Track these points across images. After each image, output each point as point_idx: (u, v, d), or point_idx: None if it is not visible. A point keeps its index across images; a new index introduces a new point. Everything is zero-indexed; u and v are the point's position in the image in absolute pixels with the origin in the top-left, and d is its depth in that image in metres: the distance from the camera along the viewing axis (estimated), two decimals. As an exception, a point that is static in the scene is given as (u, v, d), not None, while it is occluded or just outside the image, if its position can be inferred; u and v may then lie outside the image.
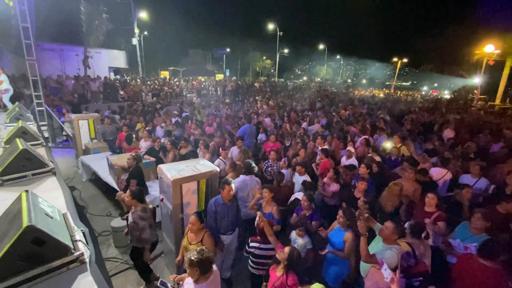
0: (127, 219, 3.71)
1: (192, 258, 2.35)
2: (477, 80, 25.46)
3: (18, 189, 2.88)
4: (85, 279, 1.73)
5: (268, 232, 3.07)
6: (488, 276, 2.45)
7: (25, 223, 1.61)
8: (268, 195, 3.87)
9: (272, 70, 55.12)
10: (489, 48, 22.31)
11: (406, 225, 3.17)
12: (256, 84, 27.97)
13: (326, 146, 6.37)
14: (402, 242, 2.90)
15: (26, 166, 3.12)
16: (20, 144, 3.24)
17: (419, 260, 2.86)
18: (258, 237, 3.33)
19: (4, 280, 1.56)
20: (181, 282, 2.73)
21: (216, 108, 13.62)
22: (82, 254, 1.84)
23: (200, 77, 36.92)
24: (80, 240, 1.97)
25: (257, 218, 3.11)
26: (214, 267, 2.55)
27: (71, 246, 1.84)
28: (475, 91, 26.45)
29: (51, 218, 1.92)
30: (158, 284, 2.55)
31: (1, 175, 2.95)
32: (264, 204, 3.97)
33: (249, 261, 3.39)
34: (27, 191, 2.03)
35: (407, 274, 2.75)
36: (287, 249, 2.68)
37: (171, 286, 2.50)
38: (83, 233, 2.10)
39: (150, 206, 3.69)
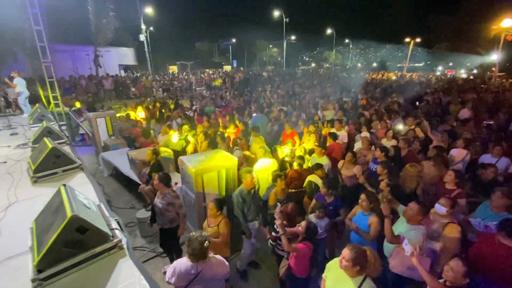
0: (152, 209, 3.86)
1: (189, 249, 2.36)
2: (495, 57, 24.34)
3: (51, 185, 3.06)
4: (126, 263, 1.86)
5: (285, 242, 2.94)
6: (510, 255, 2.36)
7: (69, 213, 1.73)
8: (281, 183, 3.87)
9: (279, 59, 54.32)
10: (507, 23, 21.17)
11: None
12: (264, 74, 27.71)
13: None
14: (452, 225, 2.83)
15: (56, 163, 3.29)
16: (49, 143, 3.41)
17: None
18: (285, 222, 3.43)
19: (54, 266, 1.70)
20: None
21: (225, 100, 13.67)
22: (120, 240, 1.97)
23: (207, 70, 36.91)
24: (116, 228, 2.10)
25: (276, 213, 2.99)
26: (212, 255, 2.52)
27: (110, 233, 1.96)
28: (493, 69, 25.36)
29: (89, 208, 2.04)
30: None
31: (34, 172, 3.12)
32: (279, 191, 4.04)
33: (277, 244, 3.47)
34: (64, 185, 2.16)
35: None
36: (303, 223, 2.75)
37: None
38: (118, 222, 2.23)
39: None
